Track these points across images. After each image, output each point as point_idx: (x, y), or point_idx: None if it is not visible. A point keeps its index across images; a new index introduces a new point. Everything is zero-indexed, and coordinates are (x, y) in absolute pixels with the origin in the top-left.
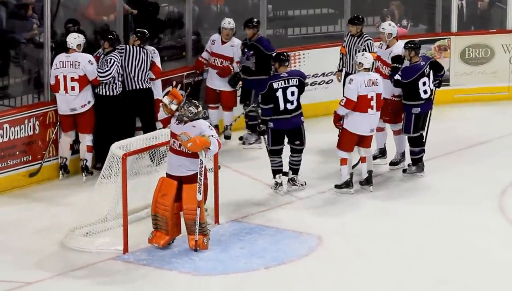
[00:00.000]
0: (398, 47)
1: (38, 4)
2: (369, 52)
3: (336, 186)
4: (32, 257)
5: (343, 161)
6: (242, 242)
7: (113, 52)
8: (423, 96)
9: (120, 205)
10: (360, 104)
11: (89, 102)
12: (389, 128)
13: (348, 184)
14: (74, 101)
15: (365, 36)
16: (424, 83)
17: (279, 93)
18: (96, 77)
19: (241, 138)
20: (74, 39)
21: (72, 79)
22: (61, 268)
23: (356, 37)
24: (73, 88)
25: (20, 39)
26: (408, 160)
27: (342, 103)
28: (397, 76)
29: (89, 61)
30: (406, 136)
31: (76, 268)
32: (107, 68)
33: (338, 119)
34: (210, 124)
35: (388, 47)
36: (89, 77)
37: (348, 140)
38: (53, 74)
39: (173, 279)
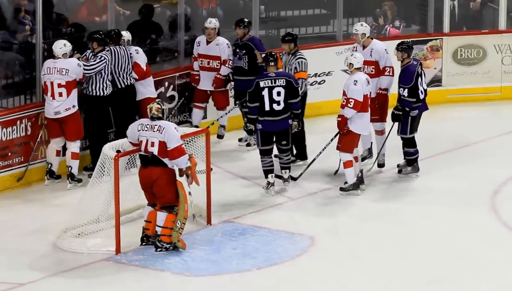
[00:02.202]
0: (376, 44)
1: (30, 5)
2: (300, 71)
3: (342, 189)
4: (24, 258)
5: (349, 163)
6: (234, 243)
7: (104, 51)
8: (421, 96)
9: (112, 206)
10: (364, 104)
11: (73, 106)
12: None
13: (357, 186)
14: (60, 105)
15: (298, 54)
16: (420, 83)
17: (265, 93)
18: (83, 74)
19: (240, 139)
20: (60, 48)
21: (59, 85)
22: (54, 269)
23: (291, 55)
24: (60, 94)
25: (12, 40)
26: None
27: (351, 106)
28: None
29: (77, 64)
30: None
31: (68, 269)
32: (93, 62)
33: (346, 123)
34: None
35: (364, 47)
36: (77, 78)
37: (352, 142)
38: (42, 80)
39: (166, 280)
